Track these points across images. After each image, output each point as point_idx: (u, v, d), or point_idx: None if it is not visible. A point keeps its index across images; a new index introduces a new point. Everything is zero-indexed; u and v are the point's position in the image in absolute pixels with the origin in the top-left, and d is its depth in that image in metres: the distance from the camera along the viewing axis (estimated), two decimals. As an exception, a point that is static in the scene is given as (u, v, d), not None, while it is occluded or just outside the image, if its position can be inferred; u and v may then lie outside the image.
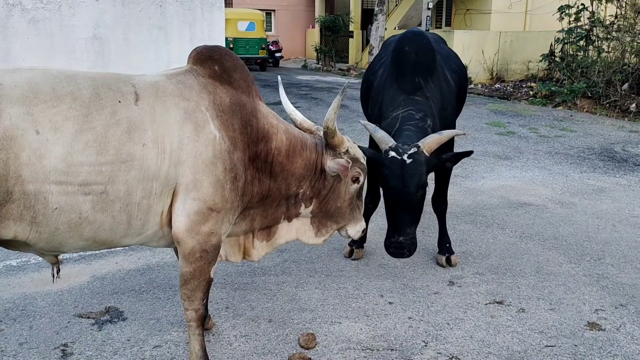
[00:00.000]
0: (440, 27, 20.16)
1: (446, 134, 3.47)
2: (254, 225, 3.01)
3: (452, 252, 4.30)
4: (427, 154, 3.38)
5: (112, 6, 7.61)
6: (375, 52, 17.93)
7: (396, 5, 20.62)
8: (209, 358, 2.90)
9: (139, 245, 2.71)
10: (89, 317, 3.51)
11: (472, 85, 16.13)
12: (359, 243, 4.40)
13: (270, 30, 26.00)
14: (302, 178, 2.97)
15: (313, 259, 4.36)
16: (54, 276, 2.69)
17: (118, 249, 4.39)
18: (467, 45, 16.60)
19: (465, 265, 4.27)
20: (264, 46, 19.74)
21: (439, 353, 3.17)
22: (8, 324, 3.43)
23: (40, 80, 2.30)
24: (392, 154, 3.37)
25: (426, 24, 16.44)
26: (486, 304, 3.71)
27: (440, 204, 4.35)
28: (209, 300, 3.31)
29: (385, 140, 3.49)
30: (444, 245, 4.32)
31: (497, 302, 3.74)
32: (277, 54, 21.82)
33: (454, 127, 4.14)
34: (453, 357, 3.13)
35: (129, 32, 7.75)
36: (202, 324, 2.81)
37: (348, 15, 21.57)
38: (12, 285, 3.91)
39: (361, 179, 3.10)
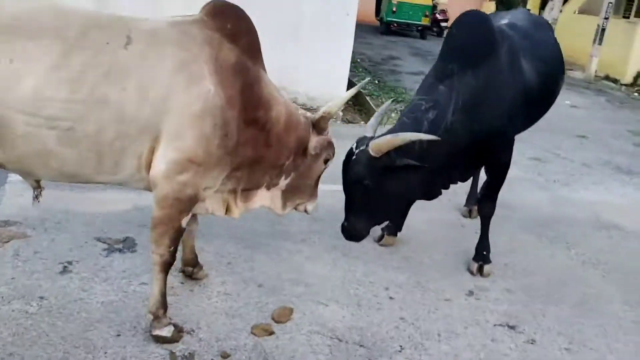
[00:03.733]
0: (628, 17, 17.97)
1: (402, 137, 3.17)
2: (239, 186, 3.03)
3: (487, 261, 3.91)
4: (374, 153, 3.20)
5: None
6: (544, 34, 16.53)
7: (581, -13, 18.72)
8: (167, 304, 2.94)
9: (118, 185, 2.79)
10: (105, 242, 3.75)
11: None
12: (392, 230, 4.17)
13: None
14: (291, 152, 3.03)
15: (340, 235, 4.19)
16: (34, 199, 2.88)
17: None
18: (656, 40, 14.65)
19: (498, 278, 3.87)
20: (427, 14, 19.10)
21: (406, 362, 2.94)
22: (38, 232, 3.77)
23: (29, 11, 2.40)
24: (354, 145, 3.39)
25: (606, 11, 14.72)
26: (495, 325, 3.35)
27: (485, 206, 3.95)
28: (228, 250, 3.43)
29: (367, 129, 3.48)
30: (481, 252, 3.94)
31: (509, 326, 3.35)
32: (443, 24, 20.95)
33: (508, 127, 3.65)
34: (417, 370, 2.88)
35: (265, -19, 7.82)
36: (165, 270, 2.85)
37: (525, -9, 20.03)
38: (64, 199, 4.26)
39: (329, 162, 3.25)
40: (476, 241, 4.02)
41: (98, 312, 3.06)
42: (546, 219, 4.93)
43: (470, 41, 3.45)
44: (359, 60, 12.99)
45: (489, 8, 22.85)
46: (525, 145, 7.21)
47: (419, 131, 3.30)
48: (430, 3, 19.10)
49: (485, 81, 3.43)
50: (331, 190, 5.00)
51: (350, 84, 10.63)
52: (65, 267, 3.43)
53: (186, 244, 3.35)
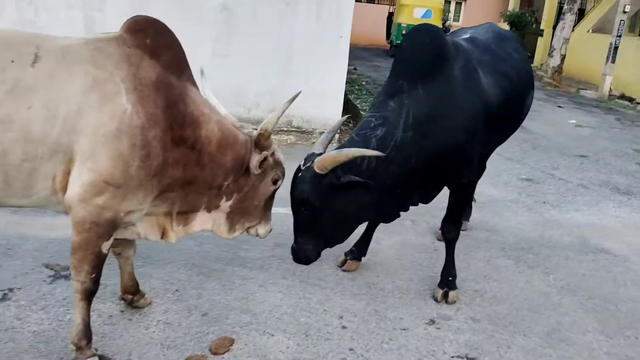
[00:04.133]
0: (644, 35, 17.64)
1: (345, 153, 3.04)
2: (173, 209, 2.88)
3: (453, 287, 3.69)
4: (318, 170, 3.05)
5: (244, -22, 7.72)
6: (556, 54, 16.29)
7: (594, 5, 18.45)
8: (92, 333, 2.79)
9: (38, 208, 2.68)
10: (52, 269, 3.63)
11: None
12: (356, 255, 3.98)
13: (458, 21, 24.97)
14: (229, 172, 2.87)
15: (302, 260, 4.03)
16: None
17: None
18: (669, 58, 14.32)
19: (464, 306, 3.63)
20: (437, 36, 18.96)
21: (344, 398, 2.72)
22: (-13, 259, 3.67)
23: None
24: (302, 162, 3.21)
25: (618, 29, 14.42)
26: (452, 357, 3.11)
27: (447, 230, 3.74)
28: (180, 278, 3.27)
29: (316, 146, 3.32)
30: (446, 277, 3.72)
31: (468, 358, 3.11)
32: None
33: (467, 144, 3.43)
34: (356, 407, 2.67)
35: (257, 4, 7.80)
36: (86, 298, 2.72)
37: (534, 12, 19.78)
38: (21, 224, 4.17)
39: (279, 182, 3.07)
40: (440, 265, 3.81)
41: (27, 342, 2.93)
42: (528, 243, 4.67)
43: (419, 56, 3.30)
44: (364, 83, 12.87)
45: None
46: (519, 166, 6.99)
47: (367, 148, 3.14)
48: (440, 25, 18.97)
49: (436, 97, 3.27)
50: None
51: (350, 106, 10.53)
52: (5, 294, 3.31)
53: (123, 271, 3.21)
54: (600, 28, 17.72)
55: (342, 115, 8.70)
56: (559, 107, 11.85)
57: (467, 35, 3.85)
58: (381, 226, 4.67)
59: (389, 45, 20.09)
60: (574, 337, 3.40)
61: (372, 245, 4.33)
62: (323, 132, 8.17)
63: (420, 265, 4.12)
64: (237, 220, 3.08)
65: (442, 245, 4.41)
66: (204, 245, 4.09)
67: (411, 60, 3.33)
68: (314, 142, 8.07)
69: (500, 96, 3.60)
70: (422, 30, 3.44)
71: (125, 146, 2.45)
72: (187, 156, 2.70)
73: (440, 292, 3.67)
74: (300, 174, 3.16)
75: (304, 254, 3.30)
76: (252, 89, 7.92)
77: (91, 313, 3.15)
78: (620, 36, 14.51)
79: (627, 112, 12.49)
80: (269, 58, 7.84)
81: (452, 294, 3.66)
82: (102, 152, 2.43)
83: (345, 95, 11.07)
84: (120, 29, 2.66)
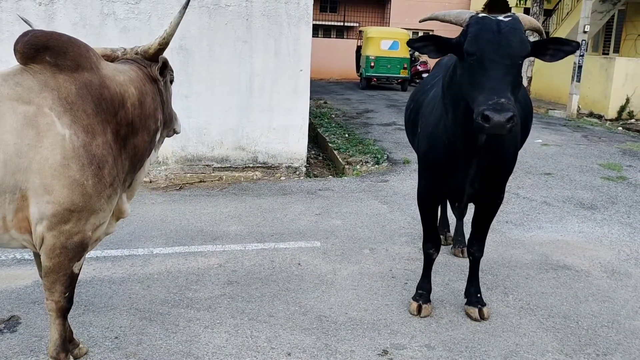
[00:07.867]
0: (608, 54, 17.96)
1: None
2: (124, 189, 2.92)
3: (484, 304, 3.72)
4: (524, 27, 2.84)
5: (198, 18, 7.73)
6: (522, 77, 16.50)
7: (556, 27, 18.80)
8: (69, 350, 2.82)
9: None
10: (-9, 323, 3.45)
11: (632, 121, 14.07)
12: (426, 298, 3.76)
13: (427, 51, 25.26)
14: (155, 112, 2.93)
15: (253, 298, 3.87)
16: None
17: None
18: (632, 75, 14.52)
19: (419, 333, 3.49)
20: (405, 66, 19.14)
21: None
22: None
23: None
24: (483, 14, 2.85)
25: (580, 49, 14.66)
26: (403, 388, 2.97)
27: (478, 249, 3.78)
28: (122, 325, 3.06)
29: (465, 11, 2.95)
30: (475, 294, 3.74)
31: (420, 388, 2.98)
32: (425, 75, 21.07)
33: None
34: None
35: (214, 44, 7.81)
36: (62, 315, 2.76)
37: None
38: (-40, 279, 4.00)
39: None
40: (406, 293, 3.72)
41: (-51, 405, 2.74)
42: (487, 264, 4.56)
43: None
44: (333, 116, 12.89)
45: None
46: (484, 188, 6.91)
47: None
48: (407, 56, 19.17)
49: None
50: (255, 249, 4.75)
51: (319, 139, 10.50)
52: None
53: (56, 319, 3.07)
54: (564, 49, 17.99)
55: (309, 149, 8.65)
56: (527, 127, 11.89)
57: None
58: (339, 256, 4.59)
59: (359, 78, 20.25)
60: (531, 359, 3.27)
61: (328, 276, 4.24)
62: (290, 166, 8.16)
63: (376, 294, 3.99)
64: (163, 135, 3.18)
65: (399, 272, 4.33)
66: (151, 289, 3.94)
67: None
68: (281, 178, 7.99)
69: None
70: None
71: (75, 170, 2.46)
72: (126, 135, 2.75)
73: (476, 311, 3.67)
74: (510, 19, 2.77)
75: (516, 115, 2.60)
76: (215, 127, 7.88)
77: (22, 369, 3.01)
78: (582, 56, 14.75)
79: (595, 128, 12.59)
80: (230, 96, 7.81)
81: (485, 310, 3.69)
82: (55, 184, 2.43)
83: (315, 129, 11.10)
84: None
